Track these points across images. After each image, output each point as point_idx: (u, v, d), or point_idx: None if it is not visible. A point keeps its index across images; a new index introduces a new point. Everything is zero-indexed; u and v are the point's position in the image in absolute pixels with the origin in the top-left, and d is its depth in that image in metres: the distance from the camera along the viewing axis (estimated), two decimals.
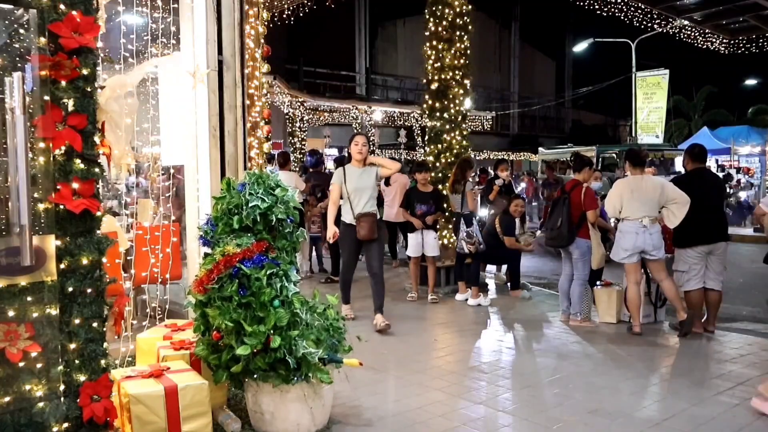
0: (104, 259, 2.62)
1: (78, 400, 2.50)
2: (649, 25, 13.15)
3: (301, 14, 11.91)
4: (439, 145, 7.82)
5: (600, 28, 23.78)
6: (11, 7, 2.37)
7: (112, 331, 3.16)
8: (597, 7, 12.70)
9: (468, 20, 7.94)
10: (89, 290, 2.53)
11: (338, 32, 32.32)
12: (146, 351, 3.81)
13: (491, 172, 9.72)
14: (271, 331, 3.04)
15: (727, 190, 20.20)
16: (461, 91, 7.86)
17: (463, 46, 7.86)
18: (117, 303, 2.87)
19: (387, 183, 8.29)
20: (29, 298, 2.38)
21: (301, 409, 3.23)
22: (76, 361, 2.52)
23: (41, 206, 2.41)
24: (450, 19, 7.77)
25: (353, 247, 5.78)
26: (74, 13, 2.44)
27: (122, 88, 3.59)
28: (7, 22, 2.38)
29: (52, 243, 2.43)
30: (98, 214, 2.56)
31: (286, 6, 10.95)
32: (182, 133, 4.70)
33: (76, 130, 2.45)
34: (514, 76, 42.82)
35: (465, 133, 7.98)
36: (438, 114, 7.85)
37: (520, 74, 42.94)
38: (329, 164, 15.15)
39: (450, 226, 7.51)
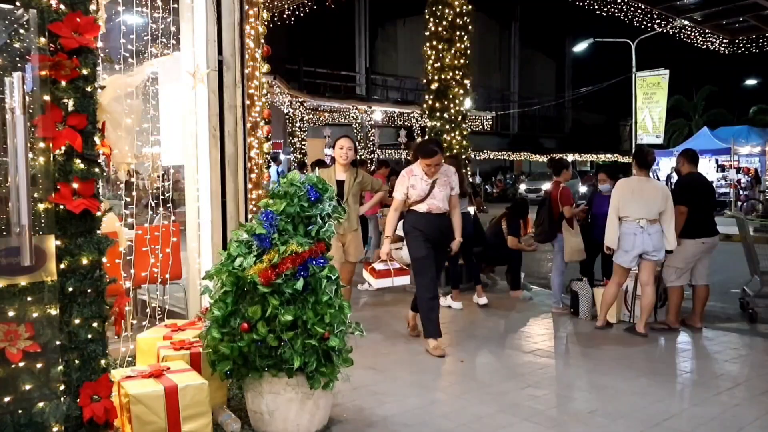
0: (104, 259, 2.62)
1: (78, 400, 2.50)
2: (649, 25, 13.14)
3: (301, 14, 11.91)
4: None
5: (600, 28, 23.82)
6: (11, 7, 2.37)
7: (112, 331, 3.16)
8: (597, 7, 12.69)
9: (468, 20, 7.95)
10: (89, 290, 2.53)
11: (338, 32, 32.37)
12: (146, 351, 3.81)
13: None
14: (328, 328, 3.14)
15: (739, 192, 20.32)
16: (461, 91, 7.87)
17: (463, 46, 7.86)
18: (117, 303, 2.87)
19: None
20: (29, 298, 2.38)
21: (300, 409, 3.23)
22: (76, 361, 2.52)
23: (41, 206, 2.41)
24: (450, 19, 7.78)
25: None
26: (74, 13, 2.44)
27: (123, 89, 3.59)
28: (7, 22, 2.38)
29: (52, 243, 2.43)
30: (98, 214, 2.56)
31: (286, 6, 10.96)
32: (182, 133, 4.70)
33: (76, 130, 2.46)
34: (514, 76, 42.86)
35: (465, 133, 7.99)
36: (438, 114, 7.86)
37: (520, 74, 42.98)
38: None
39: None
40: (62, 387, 2.49)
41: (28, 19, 2.37)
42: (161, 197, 4.51)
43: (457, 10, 7.80)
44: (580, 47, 25.99)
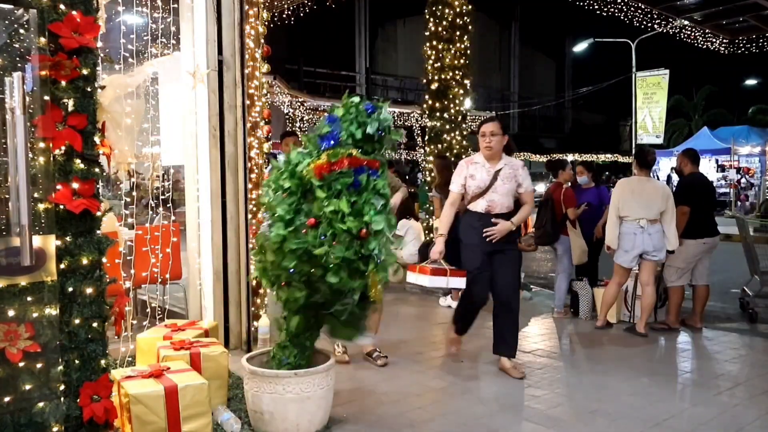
0: (104, 259, 2.62)
1: (78, 400, 2.50)
2: (649, 25, 13.13)
3: (301, 14, 11.89)
4: (439, 145, 7.82)
5: (600, 28, 23.82)
6: (11, 7, 2.37)
7: (112, 331, 3.16)
8: (597, 7, 12.69)
9: (468, 20, 7.95)
10: (89, 290, 2.53)
11: (338, 32, 32.35)
12: (146, 351, 3.81)
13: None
14: (366, 225, 3.01)
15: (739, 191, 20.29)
16: (461, 91, 7.88)
17: (463, 46, 7.87)
18: (117, 303, 2.87)
19: None
20: (29, 298, 2.38)
21: (300, 409, 3.23)
22: (76, 361, 2.52)
23: (41, 206, 2.41)
24: (450, 19, 7.78)
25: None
26: (74, 13, 2.44)
27: (123, 89, 3.59)
28: (7, 22, 2.38)
29: (52, 243, 2.43)
30: (98, 214, 2.56)
31: (286, 6, 10.94)
32: (182, 133, 4.70)
33: (76, 130, 2.45)
34: (514, 76, 42.87)
35: (465, 133, 7.99)
36: (438, 114, 7.86)
37: (520, 74, 42.99)
38: None
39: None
40: (62, 387, 2.48)
41: (28, 19, 2.37)
42: (161, 197, 4.51)
43: (457, 10, 7.80)
44: (580, 47, 26.00)
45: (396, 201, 5.25)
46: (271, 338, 4.82)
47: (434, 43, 7.83)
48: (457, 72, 7.79)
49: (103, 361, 2.59)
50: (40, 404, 2.42)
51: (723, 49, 12.83)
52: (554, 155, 25.88)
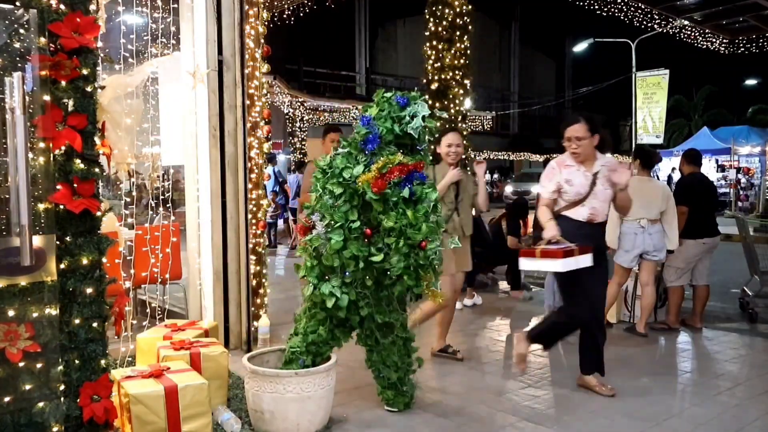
0: (104, 259, 2.62)
1: (78, 400, 2.50)
2: (649, 25, 13.14)
3: (301, 14, 11.90)
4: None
5: (600, 28, 23.83)
6: (11, 7, 2.37)
7: (112, 331, 3.16)
8: (597, 7, 12.69)
9: (468, 20, 7.94)
10: (89, 290, 2.52)
11: (338, 32, 32.34)
12: (146, 351, 3.81)
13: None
14: (426, 237, 3.11)
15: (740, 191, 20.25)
16: (461, 91, 7.87)
17: (463, 46, 7.86)
18: (117, 303, 2.87)
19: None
20: (29, 298, 2.38)
21: (301, 408, 3.23)
22: (76, 361, 2.52)
23: (41, 206, 2.41)
24: (450, 19, 7.77)
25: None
26: (74, 13, 2.44)
27: (123, 89, 3.59)
28: (7, 22, 2.38)
29: (52, 243, 2.43)
30: (98, 214, 2.56)
31: (286, 6, 10.94)
32: (182, 133, 4.70)
33: (76, 130, 2.45)
34: (514, 76, 42.85)
35: (465, 133, 7.98)
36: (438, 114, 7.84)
37: (520, 74, 42.98)
38: None
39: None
40: (62, 387, 2.48)
41: (28, 19, 2.36)
42: (161, 197, 4.51)
43: (457, 10, 7.79)
44: (580, 47, 25.98)
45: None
46: (271, 338, 4.83)
47: (434, 43, 7.82)
48: (457, 72, 7.79)
49: (103, 361, 2.59)
50: (40, 404, 2.42)
51: (723, 49, 12.84)
52: (554, 155, 25.86)
